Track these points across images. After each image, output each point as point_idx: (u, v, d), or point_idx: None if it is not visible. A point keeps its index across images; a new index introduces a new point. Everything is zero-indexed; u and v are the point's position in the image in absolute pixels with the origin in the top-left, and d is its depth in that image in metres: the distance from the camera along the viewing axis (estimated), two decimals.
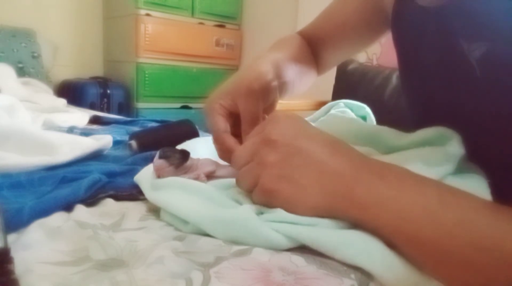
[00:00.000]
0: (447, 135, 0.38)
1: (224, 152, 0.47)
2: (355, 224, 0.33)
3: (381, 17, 0.57)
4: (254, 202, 0.38)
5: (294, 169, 0.35)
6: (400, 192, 0.31)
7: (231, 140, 0.45)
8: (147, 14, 2.28)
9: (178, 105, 2.50)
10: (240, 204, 0.38)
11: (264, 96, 0.47)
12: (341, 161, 0.34)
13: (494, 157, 0.39)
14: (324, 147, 0.36)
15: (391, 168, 0.34)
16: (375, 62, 1.87)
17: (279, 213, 0.35)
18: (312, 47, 0.66)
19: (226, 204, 0.38)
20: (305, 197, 0.34)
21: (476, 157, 0.38)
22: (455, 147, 0.37)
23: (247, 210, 0.35)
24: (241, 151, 0.39)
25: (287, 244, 0.34)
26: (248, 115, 0.45)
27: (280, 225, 0.34)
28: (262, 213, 0.36)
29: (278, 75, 0.50)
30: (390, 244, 0.31)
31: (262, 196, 0.37)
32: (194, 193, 0.39)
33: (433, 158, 0.36)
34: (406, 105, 0.55)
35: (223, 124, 0.46)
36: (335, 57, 0.68)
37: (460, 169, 0.37)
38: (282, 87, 0.51)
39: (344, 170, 0.34)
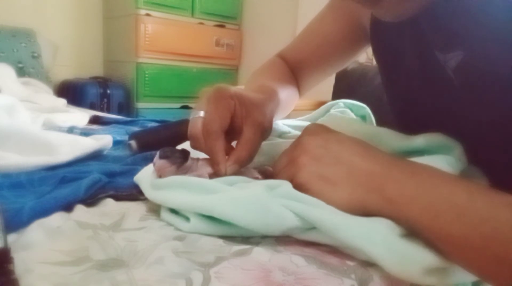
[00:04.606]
0: (450, 145, 0.39)
1: (202, 143, 0.44)
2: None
3: (360, 33, 0.58)
4: None
5: (325, 167, 0.37)
6: (430, 189, 0.32)
7: (220, 145, 0.43)
8: (147, 14, 2.28)
9: (178, 105, 2.50)
10: None
11: (268, 135, 0.48)
12: (371, 161, 0.36)
13: (480, 159, 0.39)
14: (354, 149, 0.38)
15: (421, 167, 0.35)
16: (375, 62, 1.87)
17: (287, 188, 0.36)
18: (293, 70, 0.66)
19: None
20: (336, 192, 0.36)
21: (468, 160, 0.39)
22: (458, 158, 0.37)
23: (258, 188, 0.36)
24: (281, 156, 0.43)
25: (296, 222, 0.34)
26: (248, 144, 0.43)
27: (288, 202, 0.35)
28: (271, 190, 0.37)
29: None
30: (425, 240, 0.31)
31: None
32: (198, 189, 0.39)
33: (437, 166, 0.36)
34: (390, 111, 0.56)
35: (226, 122, 0.43)
36: (315, 77, 0.68)
37: (462, 172, 0.37)
38: None
39: (374, 168, 0.35)
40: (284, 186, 0.37)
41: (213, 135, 0.42)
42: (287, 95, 0.60)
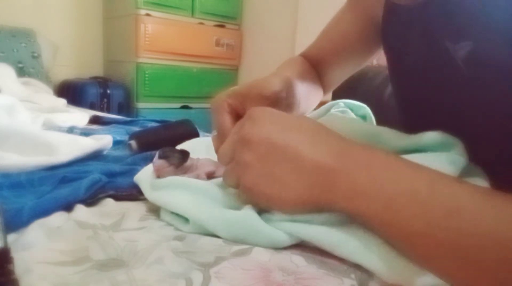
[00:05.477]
0: (450, 142, 0.38)
1: None
2: (345, 215, 0.33)
3: (376, 31, 0.58)
4: (243, 201, 0.38)
5: (273, 166, 0.34)
6: (387, 181, 0.30)
7: None
8: (147, 14, 2.28)
9: (178, 105, 2.50)
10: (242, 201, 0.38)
11: (273, 105, 0.47)
12: (321, 152, 0.33)
13: (488, 157, 0.39)
14: (302, 139, 0.34)
15: (377, 155, 0.33)
16: (375, 62, 1.87)
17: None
18: (315, 69, 0.66)
19: (227, 201, 0.38)
20: (288, 193, 0.34)
21: (472, 158, 0.38)
22: (459, 155, 0.37)
23: (249, 209, 0.35)
24: (223, 149, 0.39)
25: (288, 241, 0.34)
26: None
27: (280, 223, 0.34)
28: (265, 211, 0.37)
29: (287, 91, 0.50)
30: (382, 236, 0.31)
31: (246, 195, 0.37)
32: (194, 192, 0.39)
33: (437, 164, 0.36)
34: (396, 109, 0.56)
35: (229, 123, 0.46)
36: (337, 76, 0.69)
37: (462, 172, 0.37)
38: (290, 104, 0.51)
39: (325, 162, 0.32)
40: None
41: (224, 131, 0.44)
42: (306, 83, 0.59)
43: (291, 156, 0.34)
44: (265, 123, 0.36)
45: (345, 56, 0.65)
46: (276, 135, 0.35)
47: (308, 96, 0.60)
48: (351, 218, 0.32)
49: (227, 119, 0.46)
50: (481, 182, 0.37)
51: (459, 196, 0.28)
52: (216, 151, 0.48)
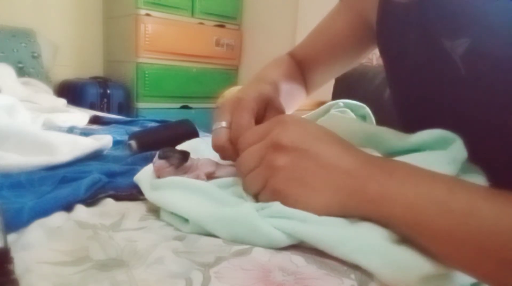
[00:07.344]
0: (449, 139, 0.38)
1: (231, 152, 0.45)
2: (368, 220, 0.34)
3: (368, 32, 0.58)
4: (261, 201, 0.38)
5: (305, 171, 0.36)
6: (410, 187, 0.32)
7: None
8: (147, 14, 2.28)
9: (178, 105, 2.50)
10: (242, 201, 0.38)
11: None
12: (351, 160, 0.35)
13: (489, 155, 0.39)
14: (333, 148, 0.36)
15: (399, 165, 0.35)
16: (375, 62, 1.87)
17: (277, 206, 0.36)
18: (301, 68, 0.67)
19: (227, 202, 0.38)
20: (316, 197, 0.35)
21: (472, 157, 0.38)
22: (458, 151, 0.37)
23: (248, 208, 0.35)
24: (247, 155, 0.39)
25: (287, 241, 0.34)
26: None
27: (280, 221, 0.34)
28: (262, 209, 0.36)
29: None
30: (405, 237, 0.32)
31: (271, 197, 0.37)
32: (194, 192, 0.39)
33: (436, 164, 0.36)
34: (394, 110, 0.55)
35: (252, 125, 0.44)
36: (323, 76, 0.69)
37: (461, 170, 0.37)
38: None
39: (355, 169, 0.34)
40: (274, 205, 0.36)
41: (239, 135, 0.43)
42: (289, 86, 0.60)
43: (322, 163, 0.35)
44: (296, 131, 0.38)
45: (334, 56, 0.65)
46: (308, 143, 0.36)
47: (291, 98, 0.61)
48: (375, 222, 0.33)
49: (252, 121, 0.45)
50: (479, 179, 0.37)
51: (477, 197, 0.30)
52: (216, 146, 0.46)
